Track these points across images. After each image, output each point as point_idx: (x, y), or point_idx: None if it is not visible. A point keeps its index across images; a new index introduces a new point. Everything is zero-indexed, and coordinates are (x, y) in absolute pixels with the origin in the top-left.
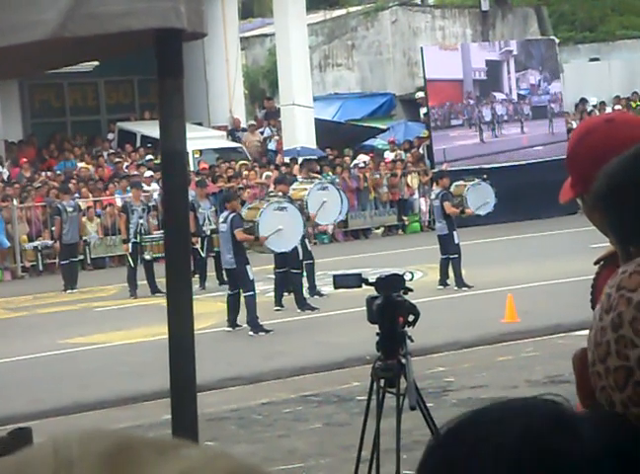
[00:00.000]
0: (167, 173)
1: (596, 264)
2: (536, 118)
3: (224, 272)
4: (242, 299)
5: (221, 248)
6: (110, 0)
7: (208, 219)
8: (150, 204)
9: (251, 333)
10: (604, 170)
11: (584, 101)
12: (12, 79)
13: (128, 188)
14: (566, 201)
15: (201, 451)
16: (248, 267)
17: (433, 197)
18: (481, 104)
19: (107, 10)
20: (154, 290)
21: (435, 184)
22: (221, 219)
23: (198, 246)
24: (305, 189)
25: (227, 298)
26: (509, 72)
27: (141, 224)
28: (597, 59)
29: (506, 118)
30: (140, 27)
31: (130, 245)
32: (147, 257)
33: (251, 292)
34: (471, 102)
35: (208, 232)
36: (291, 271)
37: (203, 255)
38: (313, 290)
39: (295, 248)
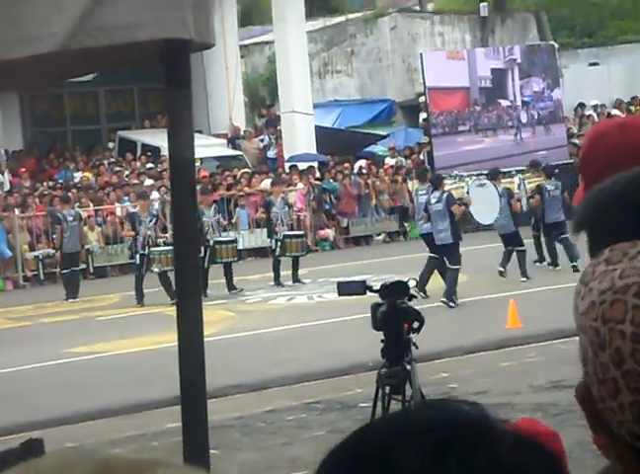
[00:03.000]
0: (176, 182)
1: None
2: (540, 123)
3: (439, 248)
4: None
5: (435, 226)
6: (117, 12)
7: (212, 228)
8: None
9: (443, 299)
10: (585, 200)
11: (582, 105)
12: (20, 91)
13: (126, 197)
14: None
15: (179, 471)
16: (460, 242)
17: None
18: (487, 110)
19: (114, 21)
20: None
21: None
22: (434, 199)
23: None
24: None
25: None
26: (513, 80)
27: (149, 235)
28: (596, 64)
29: (510, 124)
30: (148, 38)
31: (138, 257)
32: (156, 269)
33: (457, 266)
34: (477, 108)
35: (212, 243)
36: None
37: (206, 265)
38: (525, 274)
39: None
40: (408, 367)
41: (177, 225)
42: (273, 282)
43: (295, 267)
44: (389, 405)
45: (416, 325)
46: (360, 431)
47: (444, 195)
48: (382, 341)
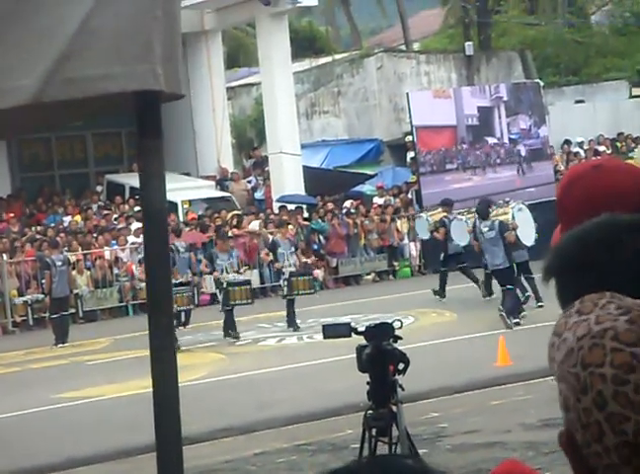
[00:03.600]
0: (148, 233)
1: None
2: (527, 161)
3: (490, 274)
4: None
5: (488, 252)
6: (87, 64)
7: (227, 271)
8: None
9: (510, 319)
10: (554, 248)
11: (568, 142)
12: None
13: (114, 241)
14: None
15: None
16: (514, 265)
17: None
18: (474, 148)
19: (85, 74)
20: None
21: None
22: (486, 228)
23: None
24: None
25: (503, 293)
26: (499, 117)
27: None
28: (581, 101)
29: (499, 161)
30: (118, 90)
31: None
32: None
33: (512, 287)
34: (464, 147)
35: (225, 285)
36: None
37: (220, 309)
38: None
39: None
40: (394, 409)
41: (150, 277)
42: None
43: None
44: (376, 447)
45: (401, 366)
46: None
47: (495, 222)
48: (368, 383)
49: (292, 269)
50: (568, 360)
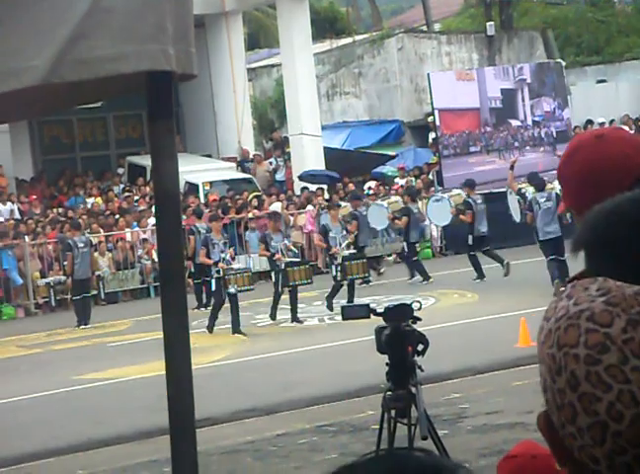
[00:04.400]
0: (160, 214)
1: None
2: (551, 143)
3: (542, 243)
4: None
5: (542, 222)
6: (98, 45)
7: (281, 251)
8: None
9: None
10: (585, 220)
11: (590, 122)
12: (7, 123)
13: (135, 223)
14: (561, 212)
15: None
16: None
17: None
18: (498, 131)
19: (95, 55)
20: (236, 328)
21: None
22: (543, 199)
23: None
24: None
25: (548, 264)
26: (523, 100)
27: (223, 258)
28: (604, 81)
29: (523, 144)
30: (129, 70)
31: (214, 281)
32: (232, 290)
33: (564, 257)
34: (488, 129)
35: (283, 266)
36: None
37: (280, 290)
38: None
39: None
40: (413, 390)
41: (162, 261)
42: (325, 303)
43: (351, 293)
44: (395, 429)
45: (420, 347)
46: None
47: (553, 193)
48: (387, 364)
49: (346, 253)
50: (547, 342)
